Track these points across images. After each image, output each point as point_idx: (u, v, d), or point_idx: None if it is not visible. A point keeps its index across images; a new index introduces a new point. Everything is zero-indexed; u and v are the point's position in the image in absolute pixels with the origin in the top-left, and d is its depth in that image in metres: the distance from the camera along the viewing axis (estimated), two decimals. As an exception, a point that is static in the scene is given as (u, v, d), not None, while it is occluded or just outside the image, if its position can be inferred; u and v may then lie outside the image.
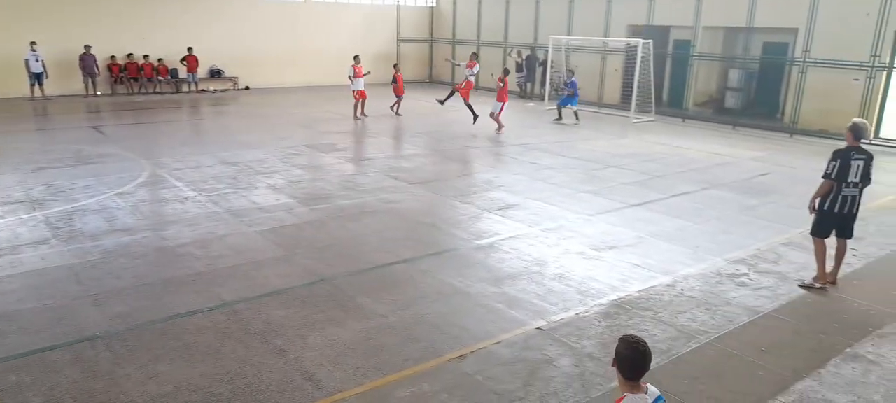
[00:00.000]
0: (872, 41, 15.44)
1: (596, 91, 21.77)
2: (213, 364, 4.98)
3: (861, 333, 5.78)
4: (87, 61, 19.97)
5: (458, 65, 19.14)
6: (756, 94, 19.34)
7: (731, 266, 7.36)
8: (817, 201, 6.68)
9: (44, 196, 9.39)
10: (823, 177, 6.58)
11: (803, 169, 12.45)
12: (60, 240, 7.57)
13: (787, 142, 15.97)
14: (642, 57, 18.37)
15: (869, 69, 15.58)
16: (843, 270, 7.01)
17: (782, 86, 18.32)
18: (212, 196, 9.65)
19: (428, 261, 7.31)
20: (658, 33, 20.01)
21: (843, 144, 6.64)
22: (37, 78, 18.89)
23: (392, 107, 18.86)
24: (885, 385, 4.94)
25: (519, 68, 23.42)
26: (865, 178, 6.53)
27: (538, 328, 5.74)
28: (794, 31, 17.20)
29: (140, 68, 21.46)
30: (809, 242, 6.99)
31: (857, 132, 6.49)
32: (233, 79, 23.44)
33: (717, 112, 19.74)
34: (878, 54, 15.44)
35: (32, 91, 19.04)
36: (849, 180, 6.49)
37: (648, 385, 2.93)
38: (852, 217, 6.66)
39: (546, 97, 21.48)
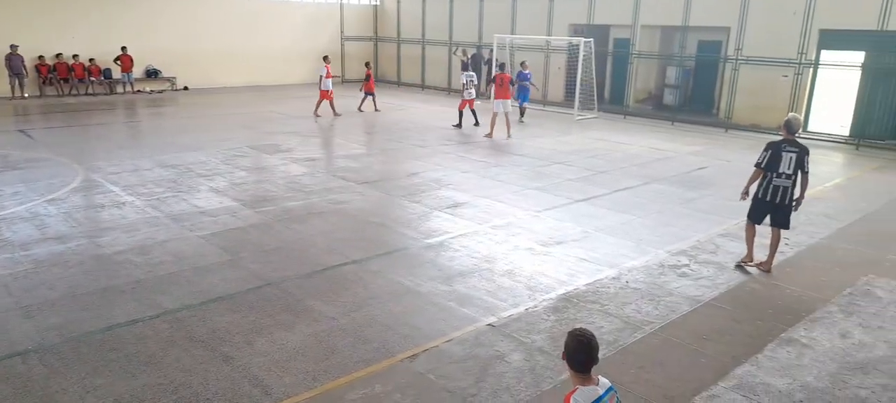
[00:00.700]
0: (799, 39, 16.22)
1: (540, 89, 22.08)
2: (155, 375, 4.81)
3: (794, 318, 6.06)
4: (13, 61, 18.96)
5: (464, 59, 19.80)
6: (692, 91, 20.05)
7: (672, 257, 7.60)
8: (752, 187, 7.09)
9: (-33, 204, 8.88)
10: (755, 166, 7.03)
11: (738, 162, 12.97)
12: (-14, 251, 7.16)
13: (723, 137, 16.60)
14: (584, 55, 18.75)
15: (797, 66, 16.36)
16: (777, 258, 7.34)
17: (717, 83, 19.07)
18: (151, 200, 9.31)
19: (378, 262, 7.26)
20: (599, 32, 20.50)
21: (778, 137, 7.02)
22: (-43, 80, 17.89)
23: (360, 107, 19.03)
24: (818, 367, 5.19)
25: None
26: (799, 170, 6.86)
27: (489, 324, 5.78)
28: (727, 30, 17.92)
29: (70, 69, 20.51)
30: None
31: (789, 126, 6.90)
32: (170, 80, 22.70)
33: (657, 108, 20.39)
34: (804, 52, 16.22)
35: (-48, 93, 18.05)
36: (780, 171, 6.85)
37: (599, 376, 2.98)
38: (786, 207, 6.99)
39: (492, 96, 21.58)
